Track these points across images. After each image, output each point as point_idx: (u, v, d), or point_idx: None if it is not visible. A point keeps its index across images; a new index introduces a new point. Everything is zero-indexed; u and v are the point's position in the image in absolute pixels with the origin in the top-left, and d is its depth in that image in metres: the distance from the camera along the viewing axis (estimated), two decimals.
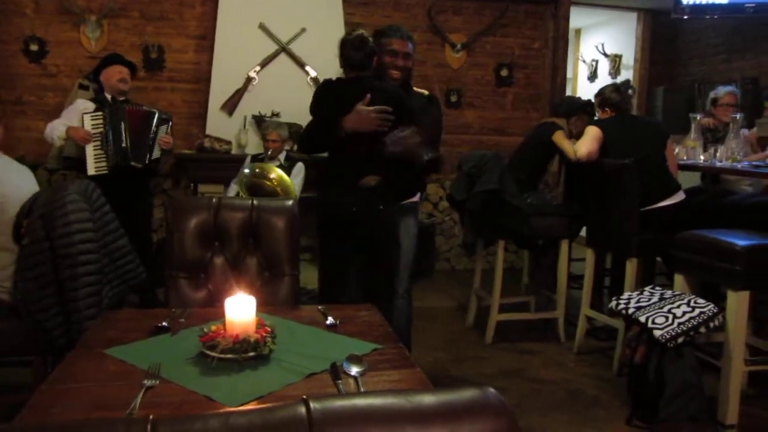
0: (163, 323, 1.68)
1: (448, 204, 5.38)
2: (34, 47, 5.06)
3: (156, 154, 4.04)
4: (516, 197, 3.68)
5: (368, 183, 2.76)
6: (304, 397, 0.69)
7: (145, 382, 1.32)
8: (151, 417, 0.62)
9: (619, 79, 6.64)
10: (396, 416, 0.70)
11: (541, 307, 4.24)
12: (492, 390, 0.76)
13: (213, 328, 1.48)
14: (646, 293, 3.03)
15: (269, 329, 1.49)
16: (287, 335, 1.60)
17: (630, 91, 3.75)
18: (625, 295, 3.09)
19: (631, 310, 2.93)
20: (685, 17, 5.54)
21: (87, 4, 5.09)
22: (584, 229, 3.94)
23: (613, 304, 3.07)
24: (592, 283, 3.84)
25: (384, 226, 2.85)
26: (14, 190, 2.62)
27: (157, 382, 1.33)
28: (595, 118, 3.93)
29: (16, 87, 5.11)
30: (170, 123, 4.14)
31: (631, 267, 3.49)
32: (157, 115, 4.04)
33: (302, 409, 0.68)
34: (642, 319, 2.84)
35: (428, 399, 0.74)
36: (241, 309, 1.45)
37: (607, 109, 3.75)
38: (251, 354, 1.42)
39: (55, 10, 5.08)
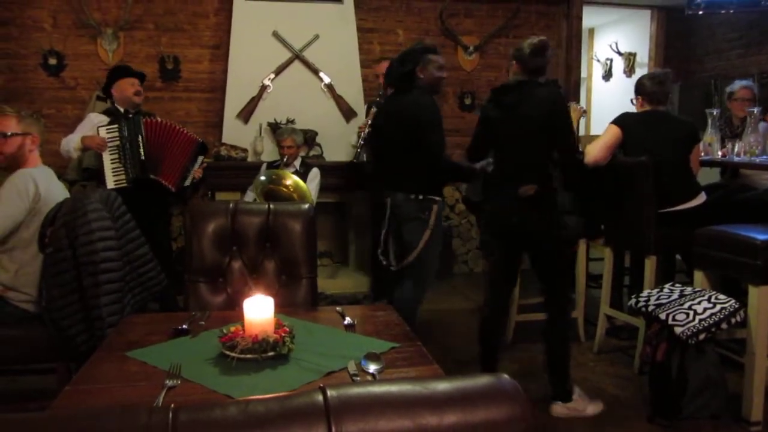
0: (183, 326, 1.70)
1: (465, 207, 5.38)
2: (52, 61, 5.15)
3: (188, 183, 4.09)
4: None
5: (526, 192, 2.80)
6: (321, 385, 0.71)
7: (167, 382, 1.34)
8: (172, 405, 0.64)
9: (634, 78, 6.60)
10: (412, 403, 0.71)
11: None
12: (506, 377, 0.77)
13: (232, 329, 1.50)
14: (666, 290, 3.01)
15: (288, 329, 1.50)
16: (305, 335, 1.62)
17: (666, 85, 3.55)
18: (645, 293, 3.07)
19: (651, 308, 2.92)
20: (700, 13, 5.51)
21: (103, 18, 5.17)
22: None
23: (633, 301, 3.05)
24: (612, 281, 3.81)
25: (547, 236, 2.90)
26: (55, 200, 2.69)
27: (179, 382, 1.35)
28: (633, 103, 3.81)
29: (35, 100, 5.20)
30: (206, 153, 4.19)
31: (650, 265, 3.46)
32: (201, 146, 4.08)
33: (319, 397, 0.69)
34: (662, 316, 2.82)
35: (443, 386, 0.75)
36: (259, 310, 1.46)
37: (639, 97, 3.62)
38: (270, 354, 1.44)
39: (73, 24, 5.17)
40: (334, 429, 0.65)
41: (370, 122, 4.29)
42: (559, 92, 2.89)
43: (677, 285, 3.05)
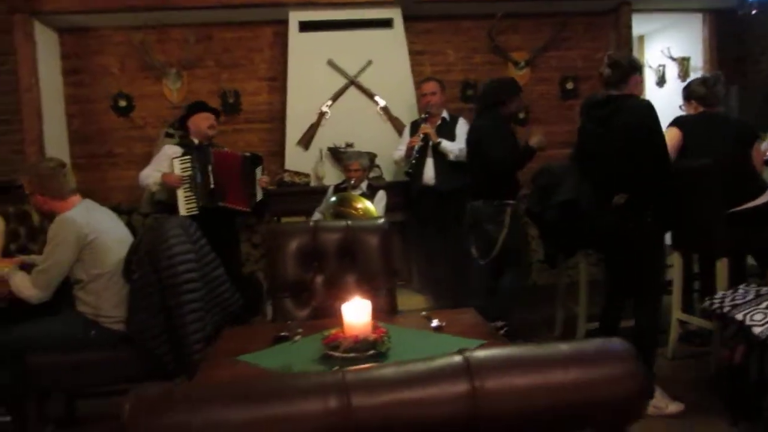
0: (283, 333, 1.81)
1: (528, 218, 5.39)
2: (122, 103, 5.46)
3: (259, 196, 4.27)
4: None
5: (618, 202, 2.98)
6: (458, 349, 0.79)
7: None
8: (337, 368, 0.73)
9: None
10: (540, 362, 0.80)
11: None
12: (617, 339, 0.85)
13: (333, 331, 1.60)
14: (740, 291, 2.97)
15: (383, 330, 1.59)
16: (398, 336, 1.70)
17: (719, 86, 3.60)
18: (719, 294, 3.03)
19: (726, 309, 2.88)
20: (753, 12, 5.44)
21: (167, 59, 5.45)
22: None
23: (707, 303, 3.02)
24: (682, 286, 3.77)
25: (640, 241, 3.03)
26: (107, 228, 2.86)
27: None
28: (682, 110, 3.84)
29: (107, 141, 5.51)
30: (261, 163, 4.38)
31: (721, 267, 3.41)
32: (250, 159, 4.27)
33: (460, 358, 0.78)
34: (739, 317, 2.78)
35: (564, 347, 0.84)
36: (358, 313, 1.56)
37: (692, 101, 3.64)
38: (371, 352, 1.53)
39: (139, 67, 5.48)
40: (476, 384, 0.74)
41: (422, 136, 4.44)
42: (649, 102, 2.98)
43: (752, 285, 3.01)
